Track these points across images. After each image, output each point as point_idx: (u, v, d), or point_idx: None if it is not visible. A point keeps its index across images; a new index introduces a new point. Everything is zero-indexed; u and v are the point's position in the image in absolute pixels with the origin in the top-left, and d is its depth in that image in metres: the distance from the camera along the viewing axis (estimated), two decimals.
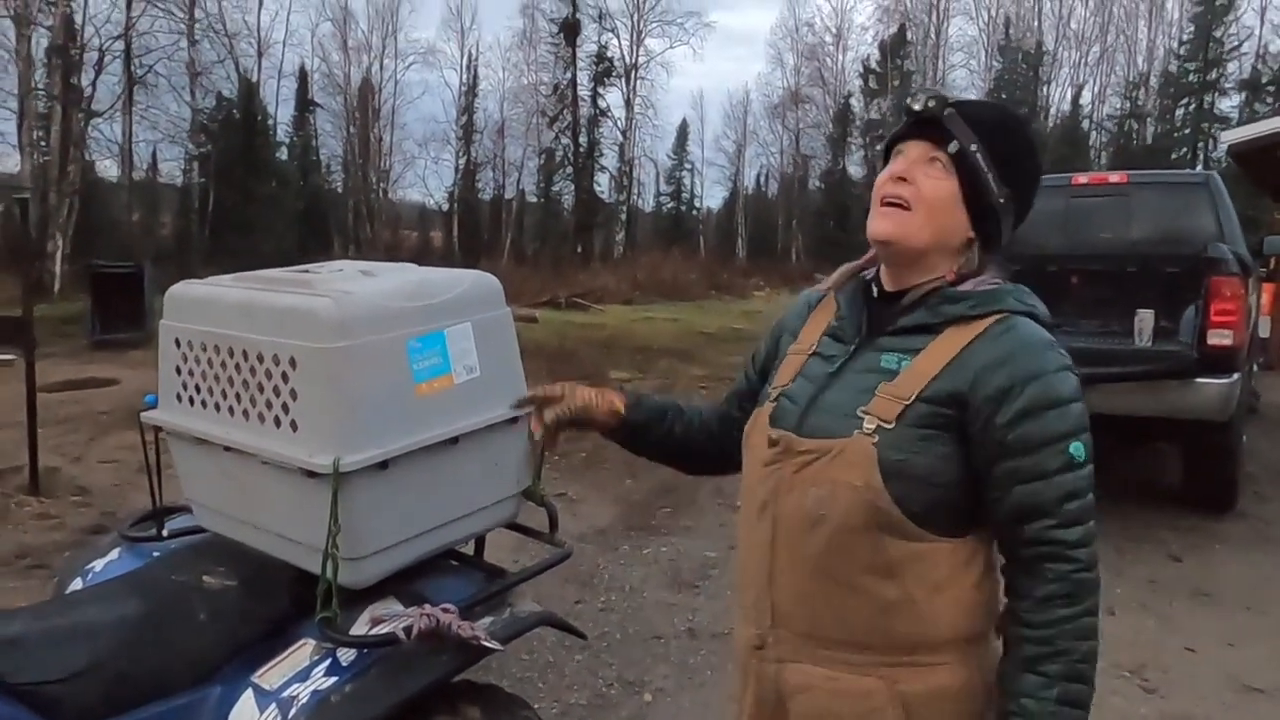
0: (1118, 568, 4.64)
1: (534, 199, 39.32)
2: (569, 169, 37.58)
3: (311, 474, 1.56)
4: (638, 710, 3.27)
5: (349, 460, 1.53)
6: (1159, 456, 6.38)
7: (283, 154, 33.94)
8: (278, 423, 1.63)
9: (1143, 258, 5.68)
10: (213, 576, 1.76)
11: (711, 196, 54.15)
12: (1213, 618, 4.17)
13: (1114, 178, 6.61)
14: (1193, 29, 36.48)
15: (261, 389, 1.65)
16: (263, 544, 1.79)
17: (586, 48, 37.06)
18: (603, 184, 38.67)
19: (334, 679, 1.58)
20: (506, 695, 1.91)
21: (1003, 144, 1.27)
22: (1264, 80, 35.14)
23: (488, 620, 1.74)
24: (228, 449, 1.72)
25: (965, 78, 38.92)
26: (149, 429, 1.94)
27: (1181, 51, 37.00)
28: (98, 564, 2.03)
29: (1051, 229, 5.88)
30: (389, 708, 1.55)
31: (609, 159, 38.40)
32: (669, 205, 43.92)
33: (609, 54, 37.37)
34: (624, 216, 38.52)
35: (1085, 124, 39.57)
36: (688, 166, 43.59)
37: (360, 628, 1.64)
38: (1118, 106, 39.21)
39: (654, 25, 37.75)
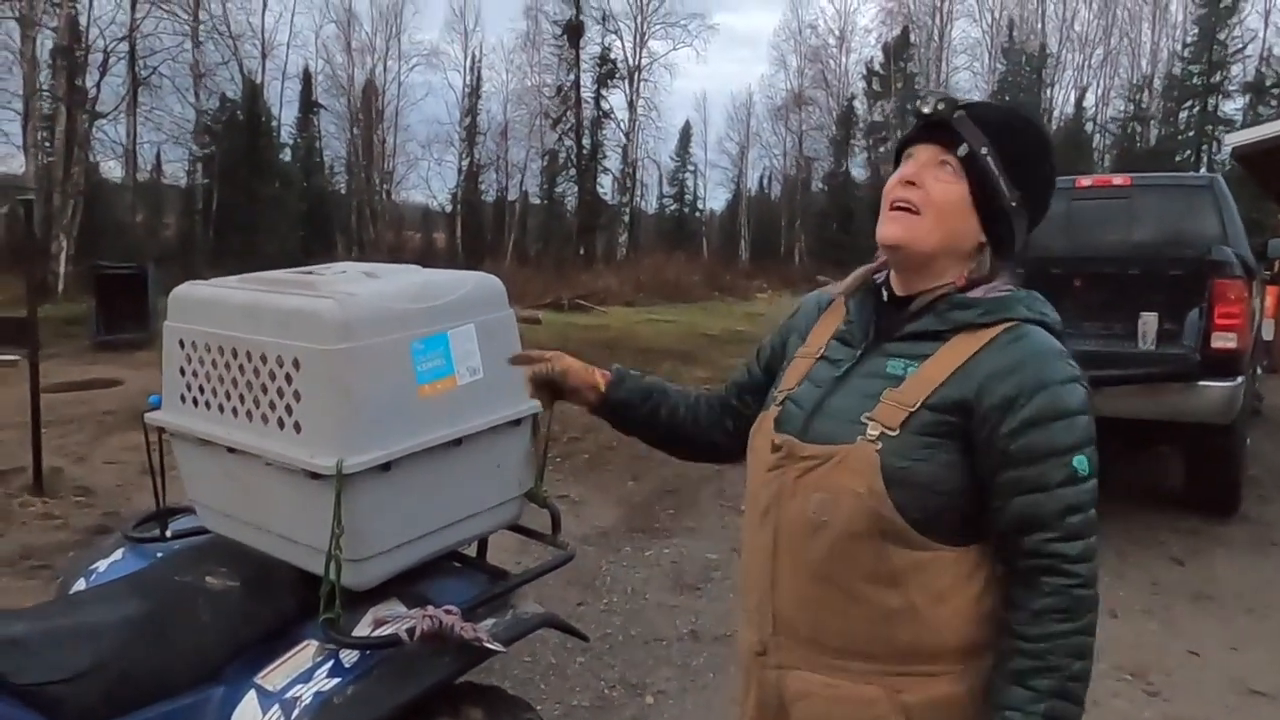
0: (1120, 571, 4.63)
1: (537, 201, 39.33)
2: (572, 171, 37.58)
3: (315, 475, 1.56)
4: (640, 712, 3.27)
5: (352, 462, 1.54)
6: (1162, 459, 6.37)
7: (286, 155, 33.98)
8: (281, 424, 1.63)
9: (1146, 260, 5.67)
10: (216, 577, 1.76)
11: (714, 198, 54.13)
12: (1215, 621, 4.16)
13: (1117, 180, 6.60)
14: (1196, 31, 36.40)
15: (265, 390, 1.66)
16: (266, 545, 1.79)
17: (590, 49, 37.10)
18: (606, 186, 38.70)
19: (337, 680, 1.58)
20: (509, 697, 1.92)
21: (1014, 146, 1.25)
22: (1268, 83, 35.06)
23: (490, 622, 1.74)
24: (231, 450, 1.73)
25: (968, 80, 38.92)
26: (153, 430, 1.95)
27: (1185, 54, 36.92)
28: (101, 564, 2.04)
29: (1055, 231, 5.87)
30: (392, 709, 1.55)
31: (612, 161, 38.43)
32: (672, 207, 43.91)
33: (612, 56, 37.40)
34: (627, 218, 38.49)
35: (1089, 126, 39.52)
36: (691, 168, 43.62)
37: (363, 629, 1.64)
38: (1121, 109, 39.17)
39: (657, 27, 37.78)
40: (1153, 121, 38.09)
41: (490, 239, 37.14)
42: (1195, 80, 36.26)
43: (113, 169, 28.17)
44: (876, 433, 1.20)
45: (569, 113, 37.05)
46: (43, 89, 21.46)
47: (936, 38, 39.82)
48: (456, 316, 1.76)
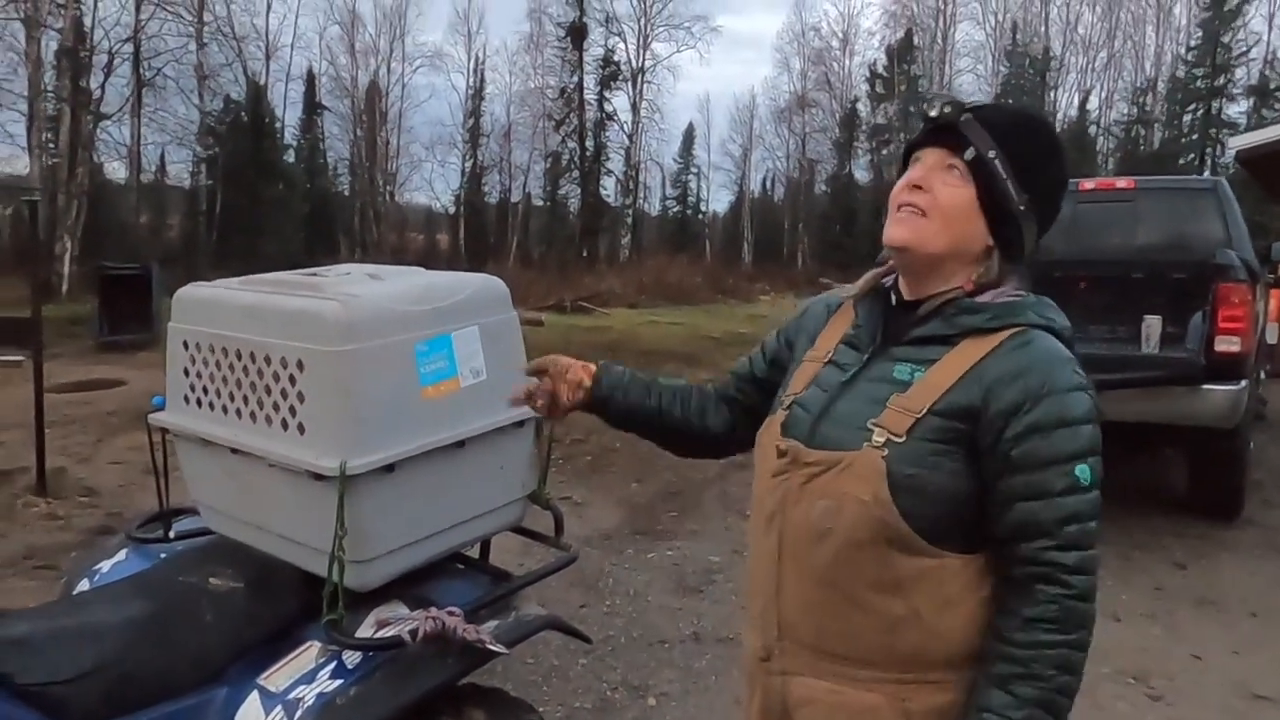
0: (1124, 575, 4.62)
1: (540, 202, 39.37)
2: (575, 173, 37.61)
3: (318, 476, 1.56)
4: (642, 714, 3.27)
5: (355, 463, 1.54)
6: (1165, 463, 6.35)
7: (290, 157, 34.06)
8: (285, 425, 1.64)
9: (1150, 264, 5.66)
10: (219, 578, 1.77)
11: (717, 200, 54.19)
12: (1219, 625, 4.15)
13: (1121, 183, 6.60)
14: (1200, 34, 36.36)
15: (269, 391, 1.66)
16: (269, 546, 1.80)
17: (593, 52, 37.15)
18: (609, 188, 38.73)
19: (339, 681, 1.58)
20: (511, 699, 1.92)
21: (1022, 149, 1.24)
22: (1272, 86, 35.02)
23: (493, 624, 1.74)
24: (235, 451, 1.73)
25: (972, 83, 38.88)
26: (156, 430, 1.95)
27: (1189, 57, 36.88)
28: (105, 565, 2.04)
29: (1058, 234, 5.83)
30: (394, 710, 1.55)
31: (615, 163, 38.44)
32: (675, 209, 43.93)
33: (615, 58, 37.43)
34: (630, 220, 38.50)
35: (1092, 129, 39.46)
36: (694, 170, 43.66)
37: (366, 630, 1.65)
38: (1125, 112, 39.13)
39: (661, 29, 37.82)
40: (1156, 125, 38.03)
41: (493, 241, 37.17)
42: (1199, 83, 36.20)
43: (117, 170, 28.29)
44: (883, 439, 1.19)
45: (572, 115, 37.09)
46: (47, 90, 21.50)
47: (940, 40, 39.82)
48: (460, 318, 1.76)
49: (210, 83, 28.33)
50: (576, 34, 36.39)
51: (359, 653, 1.61)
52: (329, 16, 36.75)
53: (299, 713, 1.55)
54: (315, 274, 1.88)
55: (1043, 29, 39.67)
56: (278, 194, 30.47)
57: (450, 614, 1.62)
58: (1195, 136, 36.63)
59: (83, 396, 8.53)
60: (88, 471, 6.03)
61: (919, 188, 1.24)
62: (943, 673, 1.20)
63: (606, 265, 32.36)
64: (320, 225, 32.78)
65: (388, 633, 1.60)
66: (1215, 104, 36.05)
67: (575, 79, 36.95)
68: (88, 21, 23.61)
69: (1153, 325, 5.18)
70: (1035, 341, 1.20)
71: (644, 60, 37.68)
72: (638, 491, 6.20)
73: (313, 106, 34.95)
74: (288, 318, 1.64)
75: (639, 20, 37.54)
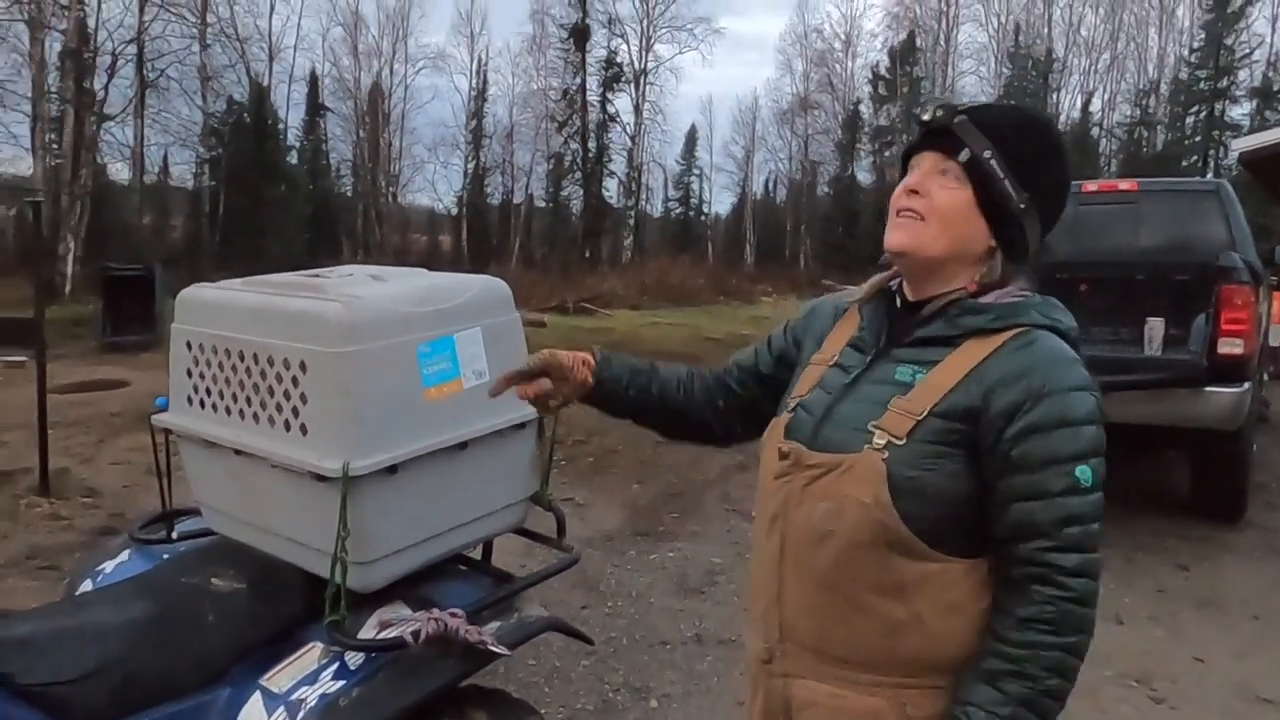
0: (1126, 577, 4.62)
1: (542, 204, 39.42)
2: (578, 174, 37.63)
3: (321, 478, 1.57)
4: (644, 716, 3.27)
5: (358, 464, 1.54)
6: (1168, 465, 6.35)
7: (293, 158, 34.10)
8: (287, 426, 1.64)
9: (1153, 266, 5.66)
10: (222, 579, 1.77)
11: (720, 202, 54.31)
12: (1221, 628, 4.14)
13: (1124, 185, 6.59)
14: (1204, 36, 36.34)
15: (272, 393, 1.66)
16: (272, 547, 1.80)
17: (596, 53, 37.17)
18: (611, 189, 38.75)
19: (342, 682, 1.58)
20: (513, 700, 1.92)
21: (1019, 147, 1.23)
22: (1275, 88, 34.98)
23: (495, 625, 1.75)
24: (238, 452, 1.73)
25: (974, 84, 38.90)
26: (159, 431, 1.95)
27: (1192, 59, 36.85)
28: (108, 566, 2.04)
29: (1061, 236, 5.86)
30: (397, 711, 1.55)
31: (618, 164, 38.45)
32: (677, 211, 43.96)
33: (618, 59, 37.46)
34: (632, 222, 38.51)
35: (1095, 131, 39.46)
36: (696, 172, 43.69)
37: (368, 631, 1.65)
38: (1128, 114, 39.12)
39: (663, 31, 37.84)
40: (1159, 126, 38.02)
41: (496, 242, 37.22)
42: (1202, 85, 36.17)
43: (120, 171, 28.32)
44: (883, 442, 1.18)
45: (575, 116, 37.11)
46: (51, 91, 21.55)
47: (942, 42, 39.84)
48: (463, 320, 1.76)
49: (213, 84, 28.38)
50: (579, 35, 36.42)
51: (361, 654, 1.61)
52: (332, 18, 36.85)
53: (301, 714, 1.55)
54: (318, 275, 1.88)
55: (1046, 31, 39.70)
56: (280, 195, 30.50)
57: (452, 615, 1.62)
58: (1198, 138, 36.60)
59: (86, 397, 8.54)
60: (90, 472, 6.04)
61: (916, 192, 1.24)
62: (945, 678, 1.20)
63: (609, 266, 32.37)
64: (323, 226, 32.83)
65: (390, 634, 1.60)
66: (1218, 106, 36.02)
67: (578, 80, 37.00)
68: (91, 23, 23.66)
69: (1155, 327, 5.18)
70: (1038, 342, 1.19)
71: (646, 62, 37.74)
72: (639, 493, 6.20)
73: (316, 108, 34.99)
74: (291, 319, 1.64)
75: (641, 22, 37.59)
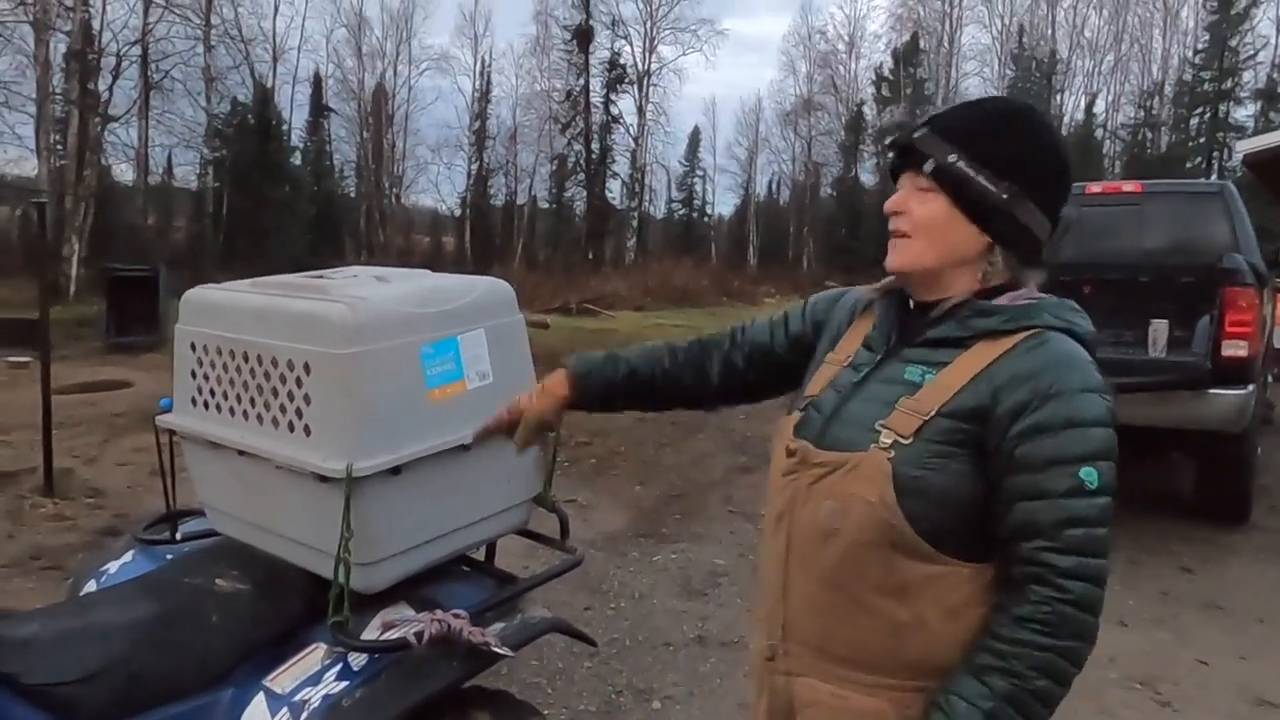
0: (1130, 579, 4.61)
1: (546, 205, 39.45)
2: (581, 175, 37.66)
3: (324, 479, 1.57)
4: (647, 717, 3.27)
5: (362, 465, 1.54)
6: (1172, 467, 6.34)
7: (296, 159, 34.15)
8: (291, 427, 1.64)
9: (1157, 267, 5.65)
10: (225, 580, 1.77)
11: (723, 203, 54.35)
12: (1226, 630, 4.14)
13: (1128, 187, 6.58)
14: (1208, 38, 36.28)
15: (276, 394, 1.66)
16: (275, 548, 1.80)
17: (599, 54, 37.20)
18: (614, 190, 38.78)
19: (345, 683, 1.58)
20: (516, 701, 1.92)
21: (988, 141, 1.23)
22: (1279, 89, 34.94)
23: (498, 626, 1.74)
24: (241, 453, 1.73)
25: (978, 85, 38.87)
26: (163, 432, 1.96)
27: (1196, 60, 36.80)
28: (112, 566, 2.04)
29: (1065, 237, 5.85)
30: (400, 712, 1.55)
31: (621, 165, 38.49)
32: (680, 212, 44.01)
33: (622, 61, 37.47)
34: (635, 223, 38.52)
35: (1099, 133, 39.43)
36: (699, 173, 43.73)
37: (371, 633, 1.65)
38: (1132, 115, 39.08)
39: (667, 32, 37.84)
40: (1163, 128, 37.96)
41: (499, 243, 37.26)
42: (1206, 86, 36.12)
43: (124, 172, 28.33)
44: (890, 441, 1.18)
45: (578, 117, 37.14)
46: (56, 92, 21.56)
47: (946, 43, 39.84)
48: (466, 321, 1.76)
49: (217, 85, 28.41)
50: (582, 37, 36.44)
51: (365, 655, 1.62)
52: (336, 19, 36.93)
53: (305, 714, 1.55)
54: (322, 276, 1.88)
55: (1049, 32, 39.68)
56: (284, 196, 30.52)
57: (456, 616, 1.62)
58: (1202, 140, 36.55)
59: (90, 398, 8.55)
60: (94, 473, 6.05)
61: (898, 212, 1.26)
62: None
63: (612, 268, 32.38)
64: (326, 228, 32.86)
65: (393, 635, 1.60)
66: (1222, 107, 35.97)
67: (581, 82, 37.03)
68: (96, 24, 23.73)
69: (1159, 329, 5.18)
70: (1050, 343, 1.19)
71: (650, 63, 37.75)
72: (642, 494, 6.20)
73: (319, 109, 35.03)
74: (295, 320, 1.64)
75: (645, 23, 37.61)
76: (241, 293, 1.84)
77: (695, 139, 43.14)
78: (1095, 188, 6.50)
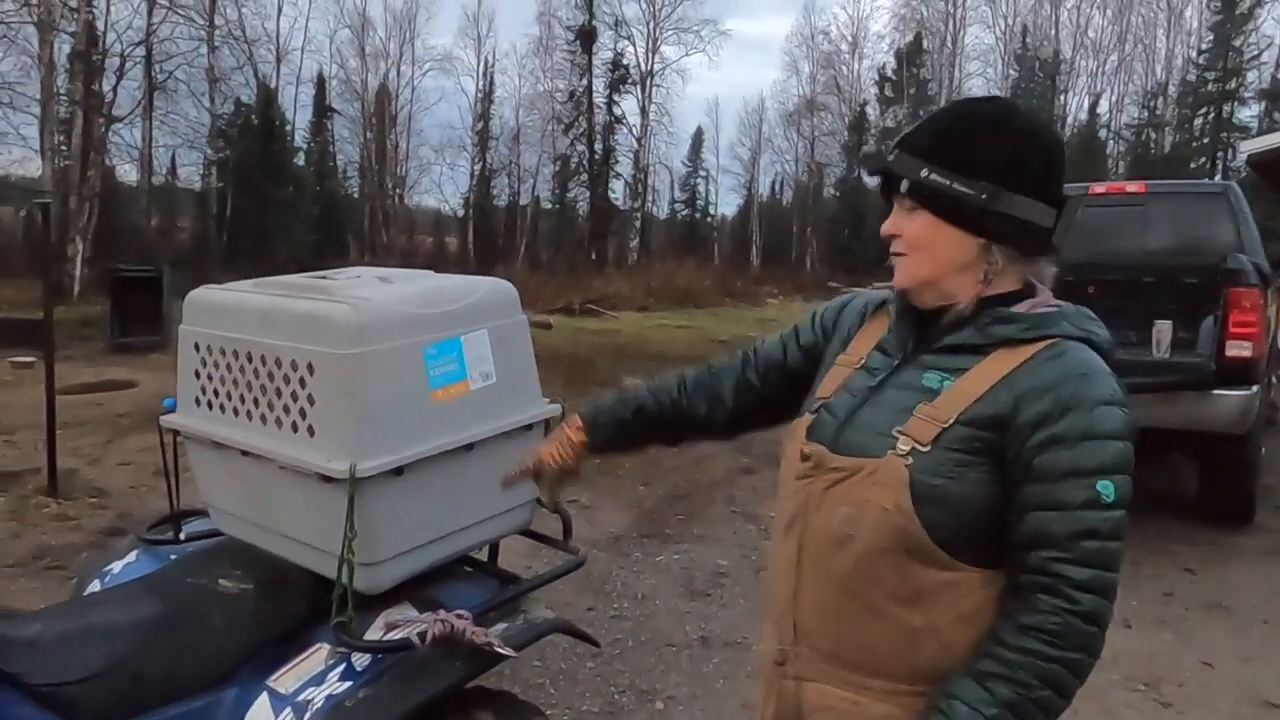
0: (1133, 580, 4.60)
1: (549, 205, 39.44)
2: (584, 175, 37.64)
3: (328, 479, 1.57)
4: (649, 718, 3.27)
5: (365, 466, 1.55)
6: (1176, 468, 6.33)
7: (300, 159, 34.14)
8: (295, 428, 1.64)
9: (1161, 268, 5.64)
10: (229, 580, 1.77)
11: (726, 204, 54.25)
12: (1229, 632, 4.13)
13: (1131, 187, 6.57)
14: (1212, 38, 36.21)
15: (279, 394, 1.67)
16: (279, 548, 1.80)
17: (602, 55, 37.17)
18: (617, 191, 38.76)
19: (349, 684, 1.59)
20: (519, 701, 1.92)
21: (953, 147, 1.22)
22: None
23: (501, 626, 1.75)
24: (245, 453, 1.74)
25: (981, 86, 38.80)
26: (167, 432, 1.96)
27: (1200, 60, 36.74)
28: (115, 566, 2.05)
29: (1068, 239, 5.85)
30: (403, 713, 1.55)
31: (624, 166, 38.47)
32: (683, 212, 43.99)
33: (625, 61, 37.45)
34: (638, 223, 38.49)
35: (1103, 133, 39.38)
36: (702, 174, 43.71)
37: (375, 633, 1.65)
38: (1135, 115, 39.01)
39: (670, 32, 37.80)
40: (1167, 128, 37.90)
41: (502, 244, 37.25)
42: (1210, 87, 36.05)
43: (128, 172, 28.38)
44: (907, 447, 1.18)
45: (581, 118, 37.13)
46: (60, 93, 21.59)
47: (949, 44, 39.78)
48: (469, 322, 1.76)
49: (221, 86, 28.44)
50: (585, 37, 36.44)
51: (368, 655, 1.62)
52: (339, 20, 37.01)
53: (308, 714, 1.55)
54: (325, 277, 1.89)
55: (1053, 32, 39.64)
56: (288, 197, 30.54)
57: (459, 617, 1.62)
58: (1206, 140, 36.50)
59: (94, 398, 8.56)
60: (98, 473, 6.06)
61: (893, 235, 1.28)
62: None
63: (615, 268, 32.38)
64: (330, 228, 32.86)
65: (397, 635, 1.60)
66: (1226, 108, 35.91)
67: (584, 82, 37.03)
68: (100, 25, 23.73)
69: (1163, 330, 5.17)
70: (1069, 353, 1.18)
71: (653, 64, 37.70)
72: (645, 495, 6.20)
73: (323, 109, 35.06)
74: (298, 321, 1.65)
75: (648, 24, 37.58)
76: (245, 293, 1.84)
77: (698, 139, 43.17)
78: (1099, 188, 6.49)
